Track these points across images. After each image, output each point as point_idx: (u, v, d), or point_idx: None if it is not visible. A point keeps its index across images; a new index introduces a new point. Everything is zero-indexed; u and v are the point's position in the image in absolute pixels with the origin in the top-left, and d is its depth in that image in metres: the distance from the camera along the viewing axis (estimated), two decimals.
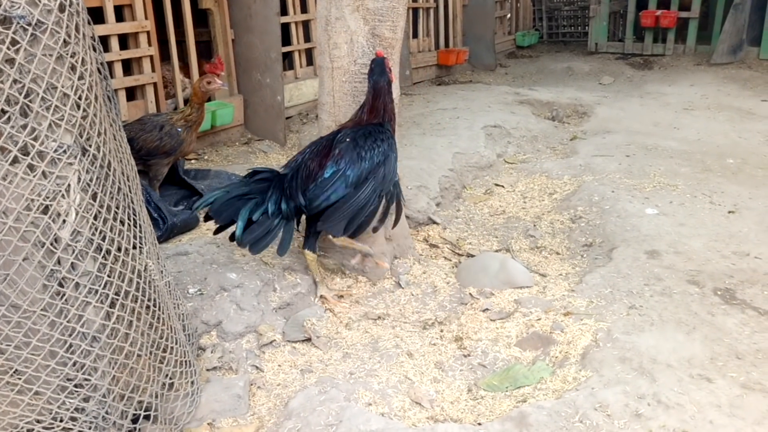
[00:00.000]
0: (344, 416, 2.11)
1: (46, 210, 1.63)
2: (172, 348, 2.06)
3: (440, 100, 6.56)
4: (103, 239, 1.75)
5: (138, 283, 1.90)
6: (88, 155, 1.70)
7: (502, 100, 6.53)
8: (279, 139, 5.16)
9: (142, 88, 4.41)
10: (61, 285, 1.71)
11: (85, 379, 1.79)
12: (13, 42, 1.50)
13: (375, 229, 2.91)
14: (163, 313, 2.02)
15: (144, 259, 1.96)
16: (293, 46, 5.76)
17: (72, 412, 1.80)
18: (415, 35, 7.79)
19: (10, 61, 1.51)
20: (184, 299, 2.64)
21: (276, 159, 4.86)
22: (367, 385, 2.35)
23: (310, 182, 2.68)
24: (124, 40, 4.29)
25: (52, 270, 1.68)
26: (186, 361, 2.15)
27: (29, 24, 1.51)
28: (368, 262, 3.08)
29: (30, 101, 1.56)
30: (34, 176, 1.60)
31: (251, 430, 2.17)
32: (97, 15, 3.97)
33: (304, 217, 2.84)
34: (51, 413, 1.78)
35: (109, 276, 1.78)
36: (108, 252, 1.77)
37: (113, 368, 1.84)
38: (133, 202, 1.96)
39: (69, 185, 1.65)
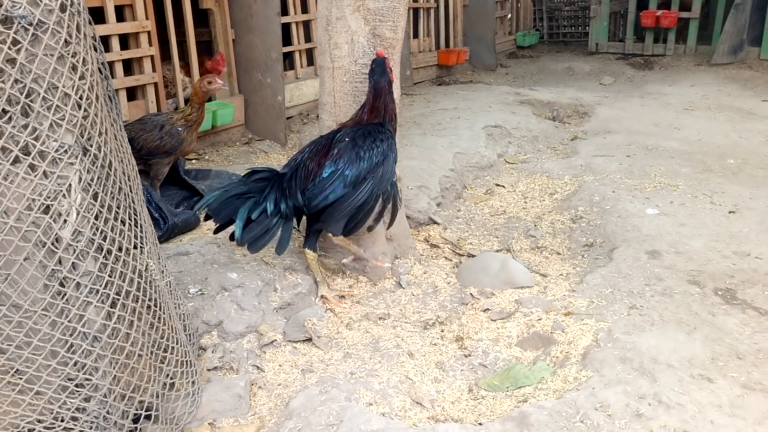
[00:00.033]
0: (345, 416, 2.11)
1: (47, 210, 1.64)
2: (173, 348, 2.06)
3: (441, 100, 6.56)
4: (104, 239, 1.76)
5: (139, 283, 1.90)
6: (89, 155, 1.70)
7: (503, 100, 6.53)
8: (280, 139, 5.16)
9: (143, 88, 4.41)
10: (62, 285, 1.71)
11: (86, 379, 1.79)
12: (15, 42, 1.51)
13: (370, 228, 2.91)
14: (164, 313, 2.02)
15: (145, 259, 1.96)
16: (294, 46, 5.76)
17: (73, 412, 1.80)
18: (416, 35, 7.79)
19: (12, 61, 1.52)
20: (185, 299, 2.64)
21: (277, 159, 4.86)
22: (367, 385, 2.35)
23: (309, 182, 2.69)
24: (125, 40, 4.29)
25: (53, 270, 1.68)
26: (187, 361, 2.15)
27: (30, 24, 1.51)
28: (366, 262, 3.08)
29: (31, 101, 1.56)
30: (35, 176, 1.60)
31: (252, 430, 2.17)
32: (97, 15, 3.97)
33: (305, 216, 2.84)
34: (52, 413, 1.78)
35: (110, 276, 1.78)
36: (109, 252, 1.77)
37: (114, 368, 1.84)
38: (134, 202, 1.96)
39: (70, 185, 1.65)
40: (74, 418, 1.81)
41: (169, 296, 2.16)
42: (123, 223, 1.85)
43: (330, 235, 2.85)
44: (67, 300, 1.72)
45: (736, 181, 4.23)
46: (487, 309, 2.87)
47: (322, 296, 2.89)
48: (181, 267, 2.91)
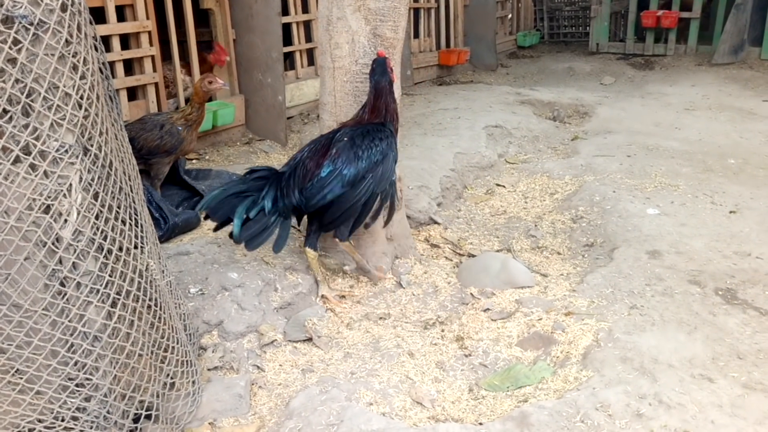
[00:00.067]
0: (345, 416, 2.11)
1: (47, 209, 1.64)
2: (173, 347, 2.06)
3: (441, 100, 6.56)
4: (105, 239, 1.76)
5: (139, 282, 1.90)
6: (90, 155, 1.70)
7: (504, 100, 6.53)
8: (280, 139, 5.16)
9: (144, 88, 4.41)
10: (62, 284, 1.71)
11: (87, 379, 1.80)
12: (15, 41, 1.51)
13: (366, 225, 2.92)
14: (164, 312, 2.02)
15: (145, 258, 1.96)
16: (294, 46, 5.76)
17: (73, 412, 1.80)
18: (417, 35, 7.78)
19: (12, 61, 1.52)
20: (186, 299, 2.64)
21: (277, 159, 4.86)
22: (368, 385, 2.35)
23: (307, 181, 2.69)
24: (126, 40, 4.29)
25: (53, 269, 1.68)
26: (187, 361, 2.15)
27: (31, 23, 1.51)
28: (368, 273, 3.10)
29: (32, 101, 1.57)
30: (35, 176, 1.60)
31: (252, 430, 2.17)
32: (98, 15, 3.96)
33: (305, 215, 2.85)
34: (52, 413, 1.78)
35: (110, 275, 1.78)
36: (109, 251, 1.77)
37: (115, 368, 1.84)
38: (134, 202, 1.96)
39: (71, 185, 1.65)
40: (75, 418, 1.81)
41: (169, 296, 2.16)
42: (123, 222, 1.85)
43: (336, 240, 2.85)
44: (67, 300, 1.72)
45: (737, 181, 4.23)
46: (488, 309, 2.87)
47: (322, 296, 2.89)
48: (181, 267, 2.91)
